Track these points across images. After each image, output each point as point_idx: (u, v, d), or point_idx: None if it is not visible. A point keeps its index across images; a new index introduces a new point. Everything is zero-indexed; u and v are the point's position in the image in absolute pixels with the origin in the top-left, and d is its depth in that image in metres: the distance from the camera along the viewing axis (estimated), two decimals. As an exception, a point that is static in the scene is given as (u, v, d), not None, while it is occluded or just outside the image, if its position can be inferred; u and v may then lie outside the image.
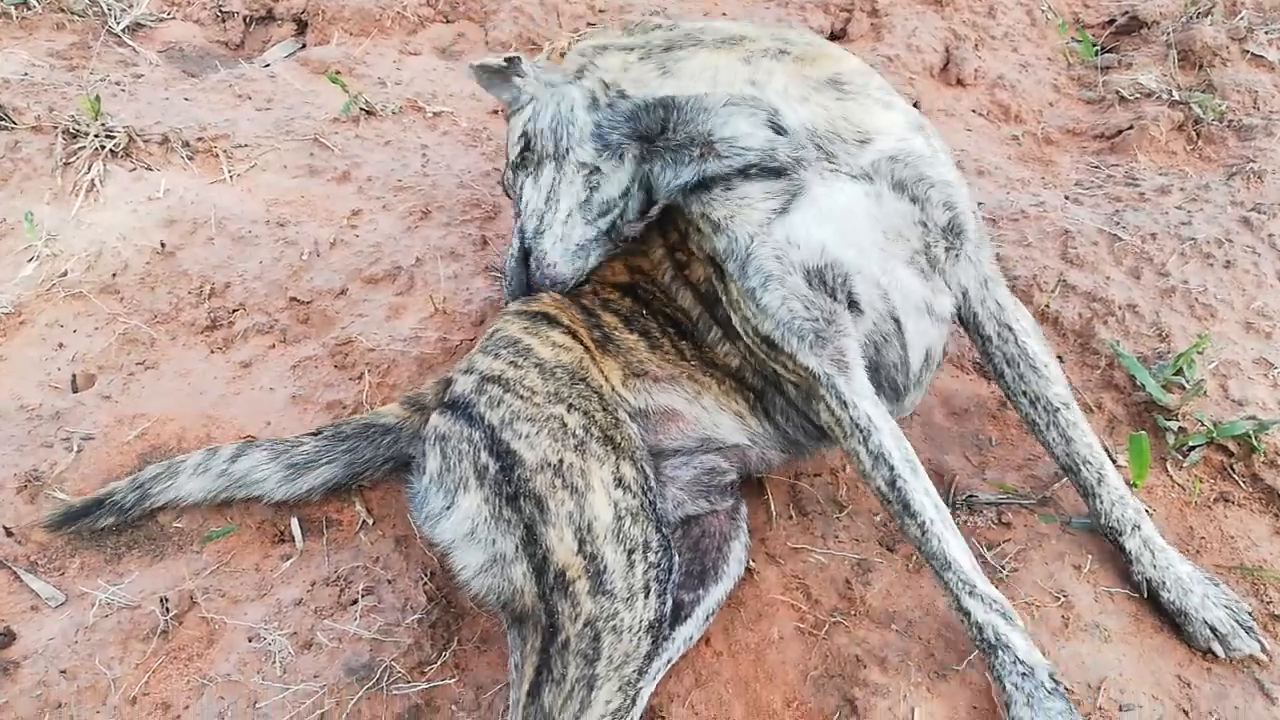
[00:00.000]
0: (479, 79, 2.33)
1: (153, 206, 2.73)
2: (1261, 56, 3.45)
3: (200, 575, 1.96)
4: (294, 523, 2.07)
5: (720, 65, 1.87)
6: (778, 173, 1.78)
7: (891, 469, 1.74)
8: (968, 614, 1.70)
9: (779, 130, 1.78)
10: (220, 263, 2.62)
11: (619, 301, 2.08)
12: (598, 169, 1.98)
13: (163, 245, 2.63)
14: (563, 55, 3.59)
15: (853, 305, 1.79)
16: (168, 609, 1.87)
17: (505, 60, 2.22)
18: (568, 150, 2.01)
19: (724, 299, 1.90)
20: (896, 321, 1.83)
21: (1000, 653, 1.67)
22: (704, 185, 1.84)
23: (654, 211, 2.13)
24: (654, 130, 1.90)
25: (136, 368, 2.39)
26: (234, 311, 2.52)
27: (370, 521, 2.08)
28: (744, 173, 1.80)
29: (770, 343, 1.80)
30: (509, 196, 2.27)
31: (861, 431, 1.75)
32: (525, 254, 2.11)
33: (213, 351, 2.45)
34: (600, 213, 2.01)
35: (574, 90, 2.02)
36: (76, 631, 1.85)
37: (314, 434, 2.06)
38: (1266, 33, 3.51)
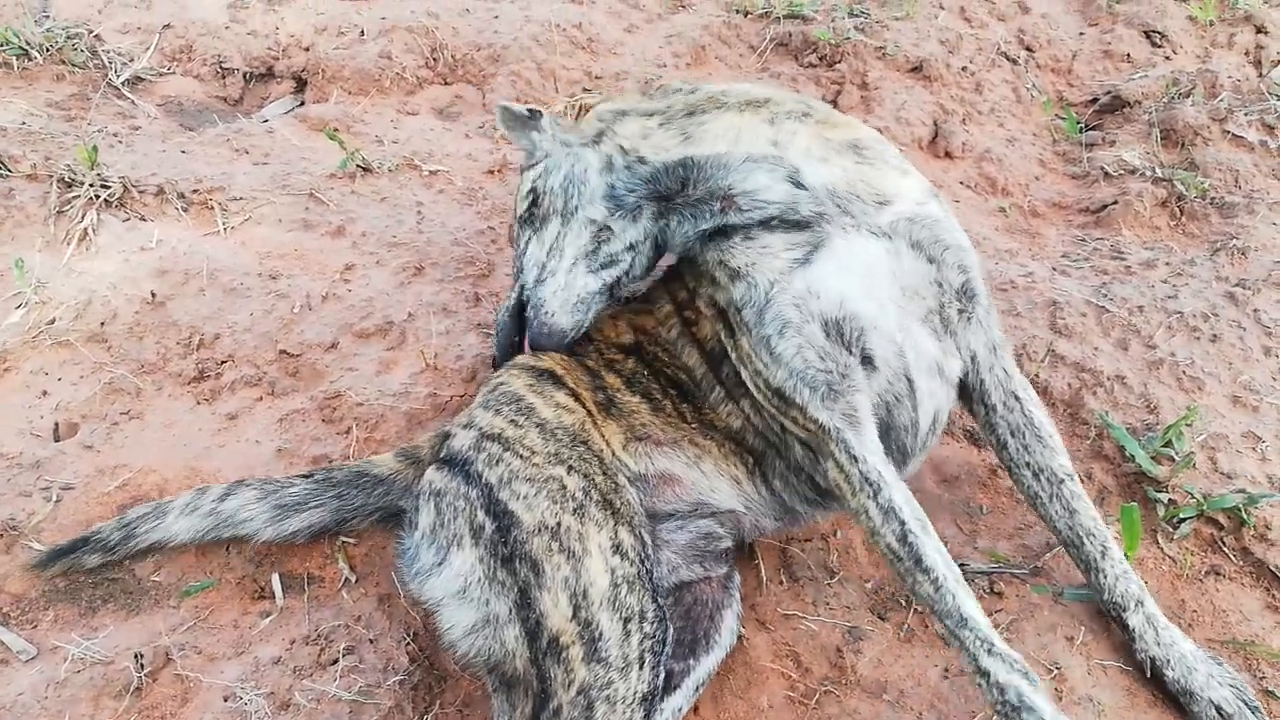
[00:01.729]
0: (503, 119, 2.34)
1: (145, 256, 2.73)
2: (1241, 137, 3.54)
3: (177, 631, 1.91)
4: (275, 579, 2.03)
5: (743, 126, 1.89)
6: (799, 225, 1.80)
7: (903, 524, 1.69)
8: (987, 674, 1.59)
9: (800, 185, 1.80)
10: (210, 314, 2.60)
11: (622, 363, 2.07)
12: (607, 227, 1.99)
13: (153, 295, 2.61)
14: (580, 112, 3.64)
15: (867, 361, 1.78)
16: (142, 665, 1.82)
17: (528, 111, 2.24)
18: (576, 208, 2.01)
19: (733, 354, 1.90)
20: (910, 381, 1.82)
21: (1025, 715, 1.55)
22: (723, 233, 1.86)
23: (661, 266, 2.14)
24: (673, 189, 1.92)
25: (121, 417, 2.36)
26: (222, 363, 2.50)
27: (353, 579, 2.04)
28: (765, 224, 1.82)
29: (781, 395, 1.79)
30: (514, 249, 2.27)
31: (871, 486, 1.71)
32: (520, 309, 2.10)
33: (199, 403, 2.42)
34: (604, 264, 2.00)
35: (590, 154, 2.04)
36: (47, 687, 1.79)
37: (305, 476, 2.04)
38: (1246, 114, 3.60)
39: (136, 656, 1.83)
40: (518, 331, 2.12)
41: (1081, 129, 3.94)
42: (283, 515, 2.01)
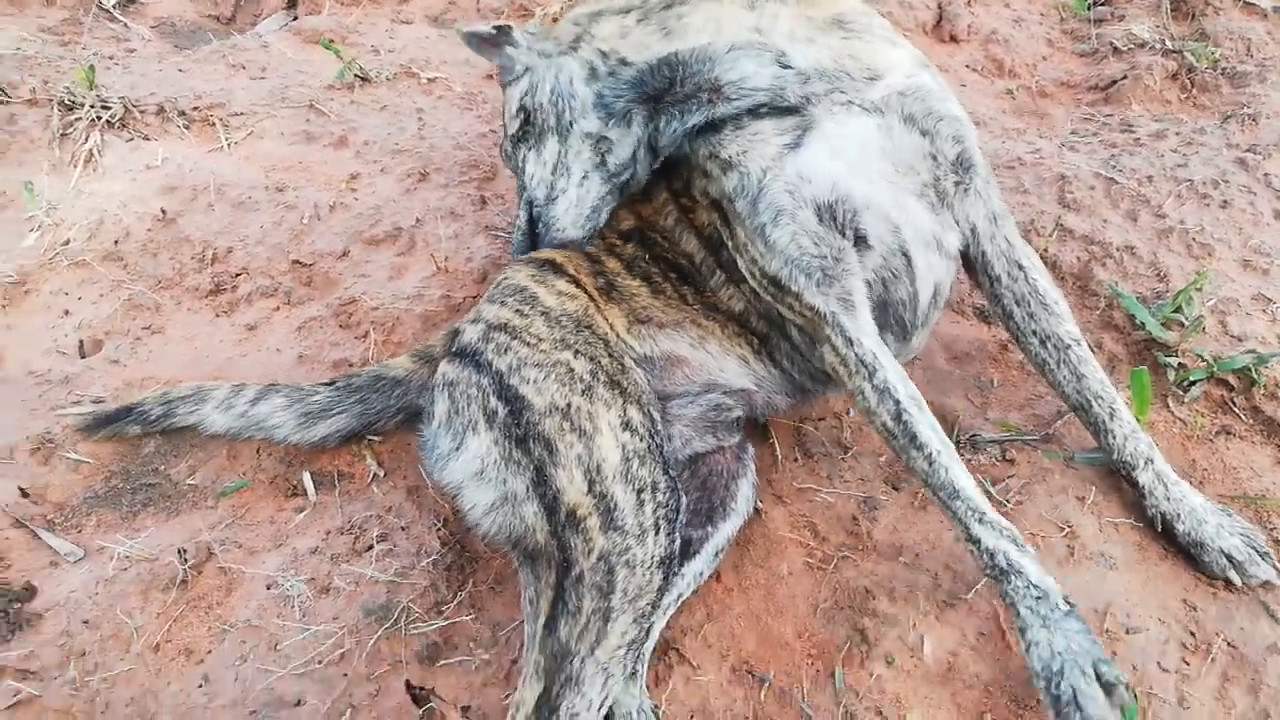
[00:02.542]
0: (470, 45, 2.30)
1: (151, 175, 2.74)
2: (1254, 4, 3.46)
3: (216, 529, 1.98)
4: (306, 477, 2.09)
5: (723, 16, 1.86)
6: (788, 110, 1.79)
7: (897, 403, 1.74)
8: (977, 541, 1.69)
9: (787, 68, 1.79)
10: (221, 228, 2.63)
11: (622, 248, 2.09)
12: (605, 137, 1.96)
13: (163, 212, 2.63)
14: (555, 21, 3.59)
15: (860, 241, 1.79)
16: (186, 560, 1.89)
17: (494, 29, 2.18)
18: (571, 124, 1.99)
19: (729, 243, 1.91)
20: (906, 256, 1.83)
21: (1012, 578, 1.65)
22: (712, 127, 1.84)
23: (655, 164, 2.13)
24: (661, 89, 1.89)
25: (143, 332, 2.40)
26: (237, 275, 2.53)
27: (381, 474, 2.10)
28: (754, 112, 1.80)
29: (777, 282, 1.81)
30: (508, 168, 2.25)
31: (867, 368, 1.76)
32: (532, 226, 2.10)
33: (218, 315, 2.46)
34: (614, 173, 1.99)
35: (571, 62, 1.99)
36: (97, 584, 1.87)
37: (328, 384, 2.09)
38: (1258, -20, 3.51)
39: (180, 552, 1.90)
40: (532, 248, 2.12)
41: (1089, 5, 3.86)
42: (309, 422, 2.08)
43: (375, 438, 2.15)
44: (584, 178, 1.99)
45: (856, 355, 1.77)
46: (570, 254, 2.05)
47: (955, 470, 1.72)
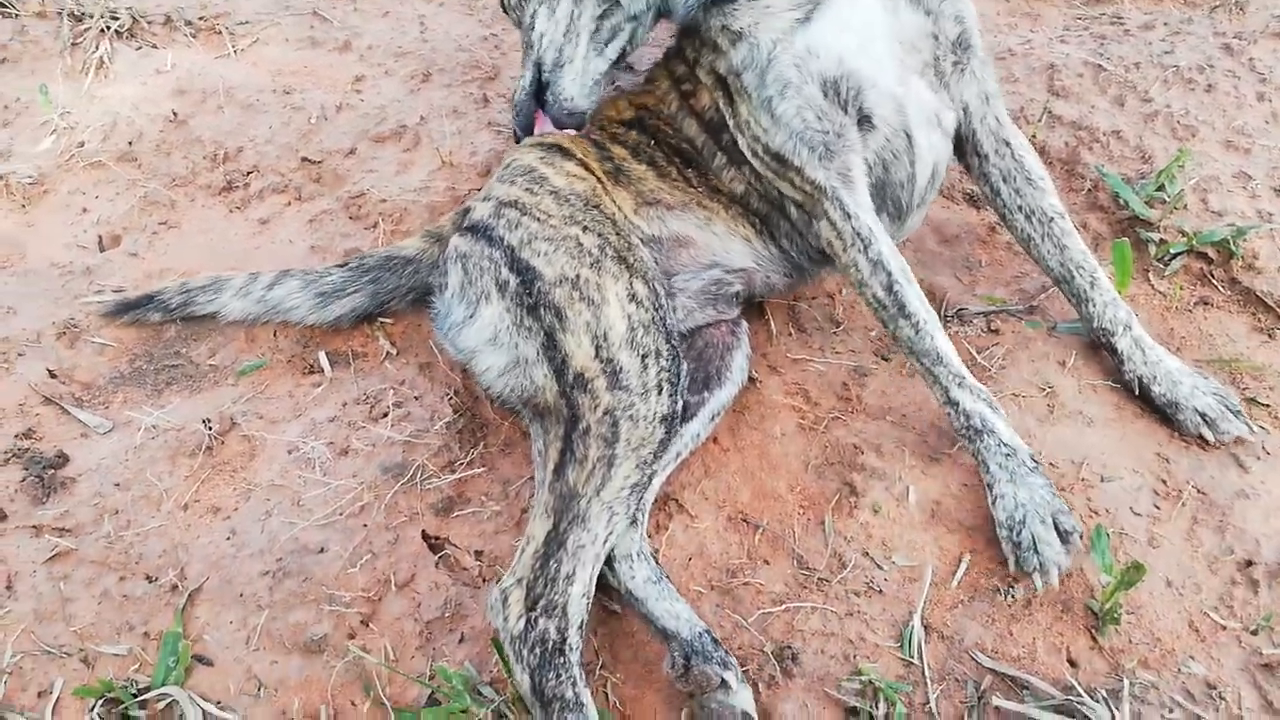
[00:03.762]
0: None
1: (162, 79, 2.81)
2: (1248, -101, 3.46)
3: (238, 402, 2.09)
4: (321, 355, 2.18)
5: None
6: None
7: (889, 274, 1.84)
8: (956, 404, 1.82)
9: None
10: (231, 129, 2.70)
11: (626, 135, 2.15)
12: (618, 3, 2.01)
13: (174, 114, 2.71)
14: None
15: (865, 120, 1.87)
16: (210, 428, 2.00)
17: None
18: None
19: (731, 122, 1.98)
20: (909, 136, 1.91)
21: (986, 437, 1.79)
22: None
23: (672, 34, 2.16)
24: None
25: (160, 227, 2.49)
26: (248, 173, 2.61)
27: (394, 352, 2.20)
28: None
29: (779, 157, 1.89)
30: (507, 14, 2.28)
31: (862, 240, 1.85)
32: (538, 89, 2.15)
33: (231, 211, 2.54)
34: (608, 39, 2.05)
35: None
36: (126, 452, 1.98)
37: (340, 265, 2.18)
38: (1254, -125, 3.51)
39: (205, 422, 2.01)
40: (537, 109, 2.17)
41: (1086, -93, 3.86)
42: (325, 302, 2.17)
43: (387, 320, 2.24)
44: (588, 46, 2.05)
45: (853, 229, 1.85)
46: (577, 139, 2.12)
47: (940, 338, 1.84)
